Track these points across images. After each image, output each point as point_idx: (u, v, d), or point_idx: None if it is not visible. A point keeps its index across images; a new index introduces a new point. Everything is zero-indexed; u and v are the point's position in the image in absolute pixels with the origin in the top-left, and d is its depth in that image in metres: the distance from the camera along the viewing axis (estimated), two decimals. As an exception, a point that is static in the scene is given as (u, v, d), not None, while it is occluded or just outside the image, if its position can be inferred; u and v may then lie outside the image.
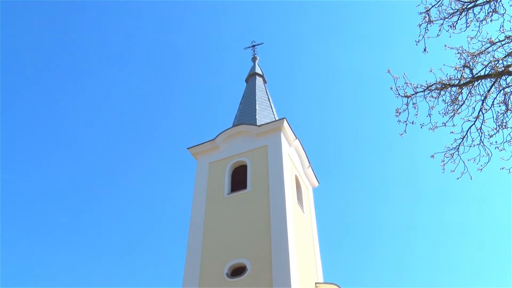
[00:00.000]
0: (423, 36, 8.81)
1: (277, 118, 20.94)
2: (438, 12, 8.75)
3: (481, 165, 8.70)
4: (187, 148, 20.06)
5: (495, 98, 8.38)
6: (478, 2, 8.51)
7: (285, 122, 19.03)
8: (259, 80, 24.45)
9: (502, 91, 8.35)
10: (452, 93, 8.56)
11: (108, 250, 47.34)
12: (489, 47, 8.38)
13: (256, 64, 25.77)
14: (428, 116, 8.73)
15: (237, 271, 15.37)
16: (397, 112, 8.78)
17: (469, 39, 8.57)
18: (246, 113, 21.73)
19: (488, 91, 8.37)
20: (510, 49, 8.29)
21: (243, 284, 14.84)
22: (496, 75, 8.19)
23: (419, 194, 49.43)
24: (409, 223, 48.39)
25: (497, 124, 8.39)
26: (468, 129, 8.64)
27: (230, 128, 20.07)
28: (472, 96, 8.51)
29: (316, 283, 16.77)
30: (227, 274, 15.34)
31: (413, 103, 8.71)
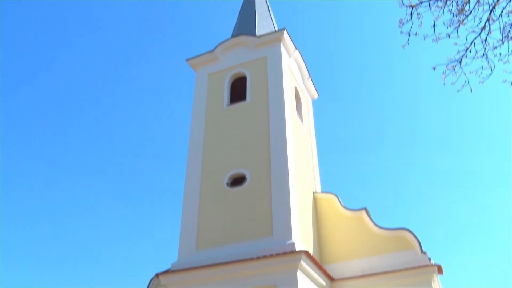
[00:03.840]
0: None
1: (277, 29, 20.42)
2: None
3: (483, 78, 8.60)
4: (186, 60, 19.79)
5: (504, 8, 8.10)
6: None
7: (285, 32, 18.60)
8: (258, -11, 23.52)
9: (513, -1, 8.04)
10: (459, 2, 8.26)
11: (107, 165, 48.23)
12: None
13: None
14: (432, 27, 8.50)
15: (237, 180, 15.80)
16: (401, 23, 8.53)
17: None
18: (245, 24, 21.15)
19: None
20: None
21: (242, 193, 15.32)
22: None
23: (419, 107, 49.47)
24: (408, 137, 48.96)
25: (503, 35, 8.18)
26: (473, 41, 8.44)
27: (229, 39, 19.64)
28: (480, 6, 8.22)
29: (314, 193, 17.29)
30: (227, 184, 15.78)
31: (418, 14, 8.44)
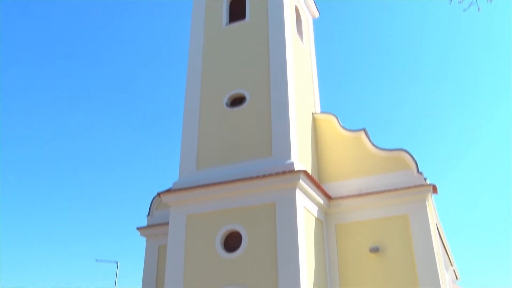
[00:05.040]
0: None
1: None
2: None
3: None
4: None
5: None
6: None
7: None
8: None
9: None
10: None
11: (107, 84, 47.81)
12: None
13: None
14: None
15: (237, 101, 15.71)
16: None
17: None
18: None
19: None
20: None
21: (242, 114, 15.29)
22: None
23: (423, 33, 48.29)
24: (410, 62, 48.28)
25: None
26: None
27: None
28: None
29: (313, 113, 17.27)
30: (226, 104, 15.71)
31: None
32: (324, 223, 15.14)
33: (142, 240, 17.88)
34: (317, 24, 21.41)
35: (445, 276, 14.65)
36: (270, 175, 13.38)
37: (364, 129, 16.34)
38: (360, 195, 15.14)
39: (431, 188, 14.70)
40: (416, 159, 15.26)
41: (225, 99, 15.77)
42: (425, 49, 47.81)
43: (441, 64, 46.94)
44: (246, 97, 15.49)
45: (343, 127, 16.66)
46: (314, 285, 13.19)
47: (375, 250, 14.38)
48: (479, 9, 8.59)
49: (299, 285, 12.12)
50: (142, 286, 16.96)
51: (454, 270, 24.44)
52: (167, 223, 15.44)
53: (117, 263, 35.50)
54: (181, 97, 16.72)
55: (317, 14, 21.04)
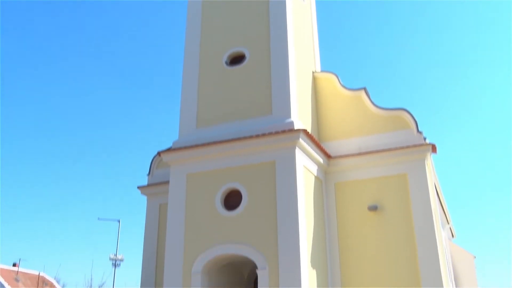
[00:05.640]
0: None
1: None
2: None
3: None
4: None
5: None
6: None
7: None
8: None
9: None
10: None
11: (109, 43, 47.18)
12: None
13: None
14: None
15: (236, 59, 15.53)
16: None
17: None
18: None
19: None
20: None
21: (242, 72, 15.15)
22: None
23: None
24: (411, 20, 47.51)
25: None
26: None
27: None
28: None
29: (313, 72, 17.11)
30: (226, 62, 15.55)
31: None
32: (323, 181, 15.25)
33: (143, 199, 18.07)
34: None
35: (441, 233, 14.88)
36: (270, 133, 13.38)
37: (364, 88, 16.23)
38: (359, 154, 15.18)
39: (430, 147, 14.73)
40: (416, 118, 15.23)
41: (225, 57, 15.59)
42: (426, 7, 47.02)
43: (442, 22, 46.29)
44: (246, 55, 15.31)
45: (343, 86, 16.55)
46: (313, 242, 13.41)
47: (373, 208, 14.54)
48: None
49: (298, 242, 12.32)
50: (144, 244, 17.23)
51: (450, 228, 24.83)
52: (167, 182, 15.55)
53: (119, 221, 36.01)
54: (181, 56, 16.52)
55: (318, -30, 20.53)
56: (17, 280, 46.16)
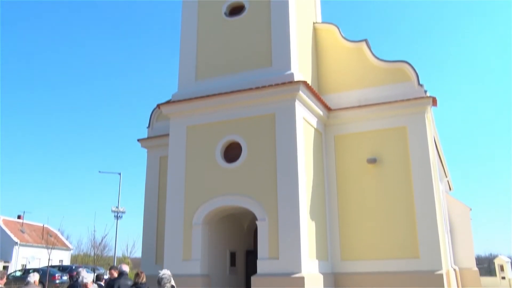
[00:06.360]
0: None
1: None
2: None
3: None
4: None
5: None
6: None
7: None
8: None
9: None
10: None
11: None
12: None
13: None
14: None
15: (236, 10, 15.22)
16: None
17: None
18: None
19: None
20: None
21: (241, 23, 14.88)
22: None
23: None
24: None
25: None
26: None
27: None
28: None
29: (314, 23, 16.80)
30: (225, 13, 15.25)
31: None
32: (323, 134, 15.27)
33: (144, 152, 18.15)
34: None
35: (439, 186, 15.03)
36: (270, 86, 13.28)
37: (365, 40, 15.98)
38: (359, 106, 15.12)
39: (430, 100, 14.65)
40: (417, 71, 15.08)
41: (224, 8, 15.28)
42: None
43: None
44: (246, 5, 15.00)
45: (344, 38, 16.29)
46: (312, 194, 13.56)
47: (372, 161, 14.63)
48: None
49: (297, 194, 12.46)
50: (145, 196, 17.45)
51: (448, 181, 25.08)
52: (167, 135, 15.59)
53: (119, 174, 36.37)
54: (179, 6, 16.18)
55: None
56: (22, 231, 47.13)
